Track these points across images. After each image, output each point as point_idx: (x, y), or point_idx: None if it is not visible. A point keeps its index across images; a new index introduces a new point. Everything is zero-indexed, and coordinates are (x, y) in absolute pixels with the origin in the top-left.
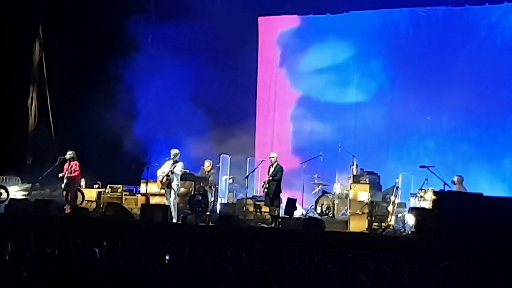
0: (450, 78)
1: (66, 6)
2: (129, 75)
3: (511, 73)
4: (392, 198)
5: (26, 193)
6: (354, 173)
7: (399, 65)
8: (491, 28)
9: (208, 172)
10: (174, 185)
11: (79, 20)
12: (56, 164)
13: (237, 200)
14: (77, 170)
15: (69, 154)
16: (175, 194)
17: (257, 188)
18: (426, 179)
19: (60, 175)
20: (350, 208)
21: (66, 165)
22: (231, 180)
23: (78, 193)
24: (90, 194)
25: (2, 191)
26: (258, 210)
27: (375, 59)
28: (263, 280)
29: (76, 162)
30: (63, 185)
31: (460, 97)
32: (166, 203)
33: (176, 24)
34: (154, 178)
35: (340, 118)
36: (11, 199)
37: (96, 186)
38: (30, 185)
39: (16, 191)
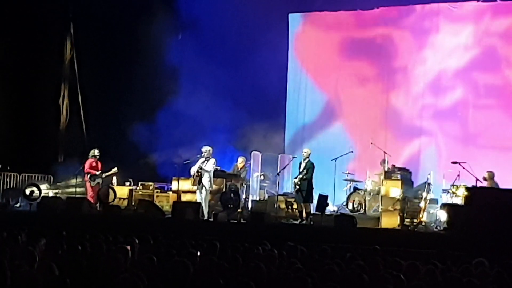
0: None
1: (96, 3)
2: (159, 73)
3: None
4: (424, 194)
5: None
6: (386, 169)
7: None
8: None
9: (241, 168)
10: (205, 182)
11: (110, 18)
12: None
13: (269, 197)
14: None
15: (97, 151)
16: (206, 191)
17: (288, 185)
18: (458, 175)
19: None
20: (381, 205)
21: (92, 163)
22: (262, 177)
23: (110, 190)
24: (122, 191)
25: (35, 189)
26: (289, 207)
27: None
28: (295, 277)
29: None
30: (93, 183)
31: None
32: (198, 200)
33: (206, 22)
34: (185, 176)
35: (370, 115)
36: (43, 197)
37: (128, 183)
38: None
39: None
